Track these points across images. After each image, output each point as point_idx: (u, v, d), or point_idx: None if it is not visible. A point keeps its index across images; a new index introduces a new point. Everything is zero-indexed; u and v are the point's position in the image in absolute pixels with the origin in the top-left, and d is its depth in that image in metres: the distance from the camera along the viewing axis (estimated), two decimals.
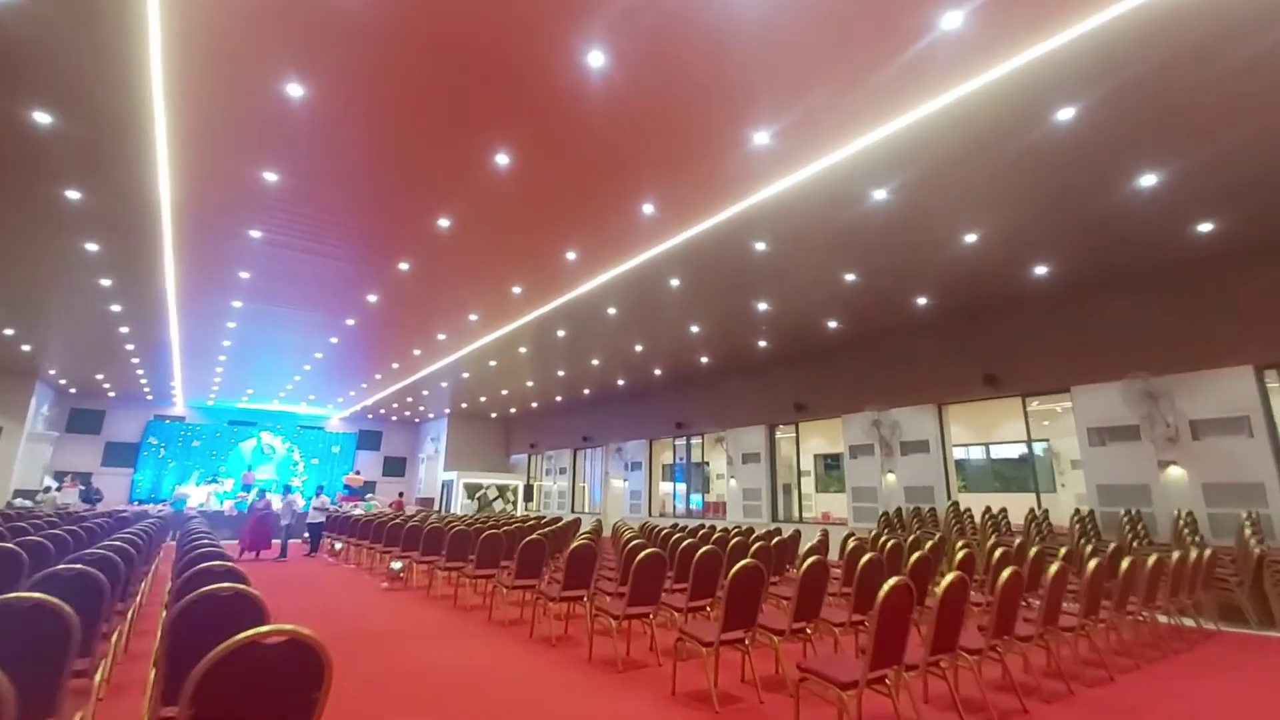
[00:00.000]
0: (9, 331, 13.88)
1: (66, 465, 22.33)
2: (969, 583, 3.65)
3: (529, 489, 25.25)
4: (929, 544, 6.42)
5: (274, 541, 13.34)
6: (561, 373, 17.34)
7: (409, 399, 22.76)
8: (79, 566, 3.19)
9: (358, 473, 27.58)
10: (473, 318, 12.45)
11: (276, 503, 14.46)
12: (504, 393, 20.73)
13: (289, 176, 7.18)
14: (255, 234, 8.70)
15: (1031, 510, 10.07)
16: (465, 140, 6.44)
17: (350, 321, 12.92)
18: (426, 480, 27.69)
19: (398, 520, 11.25)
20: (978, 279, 9.74)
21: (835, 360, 13.99)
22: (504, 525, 10.04)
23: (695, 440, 18.29)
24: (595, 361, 15.80)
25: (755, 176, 6.99)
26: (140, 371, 18.60)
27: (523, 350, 14.83)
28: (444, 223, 8.26)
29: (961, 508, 10.94)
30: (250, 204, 7.88)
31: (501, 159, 6.72)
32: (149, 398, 23.61)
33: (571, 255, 9.31)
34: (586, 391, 19.98)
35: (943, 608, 3.36)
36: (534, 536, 6.93)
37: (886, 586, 3.07)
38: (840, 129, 6.13)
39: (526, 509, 25.06)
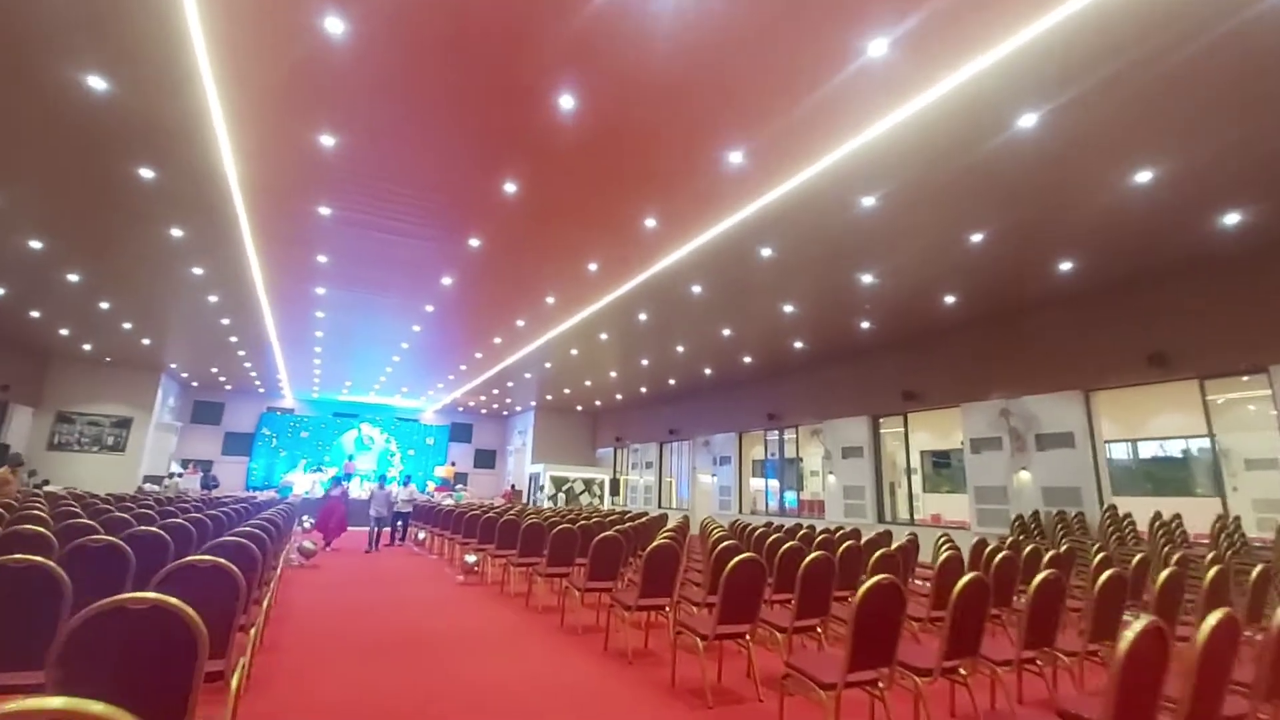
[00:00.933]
0: (127, 325, 14.78)
1: (191, 453, 24.10)
2: (1237, 628, 2.40)
3: (615, 483, 24.72)
4: (1137, 559, 4.96)
5: (347, 529, 13.32)
6: (645, 362, 16.55)
7: (495, 391, 22.80)
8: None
9: (452, 464, 28.20)
10: (550, 300, 11.86)
11: (357, 492, 14.64)
12: (587, 384, 20.23)
13: (347, 137, 6.72)
14: (324, 210, 8.43)
15: (1220, 517, 8.16)
16: (530, 84, 5.69)
17: (429, 308, 12.70)
18: (515, 473, 27.86)
19: (474, 512, 10.83)
20: (1145, 233, 7.95)
21: (952, 342, 12.28)
22: (580, 519, 9.33)
23: (789, 434, 16.97)
24: (680, 348, 14.87)
25: (868, 104, 5.79)
26: (248, 364, 19.58)
27: (604, 336, 14.14)
28: (510, 187, 7.60)
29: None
30: (314, 175, 7.56)
31: (567, 102, 5.91)
32: (260, 390, 25.07)
33: (650, 222, 8.42)
34: (672, 382, 19.11)
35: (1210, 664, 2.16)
36: (609, 533, 6.10)
37: (1132, 631, 1.93)
38: (986, 28, 4.85)
39: (613, 503, 24.55)
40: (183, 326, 15.32)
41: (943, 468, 16.61)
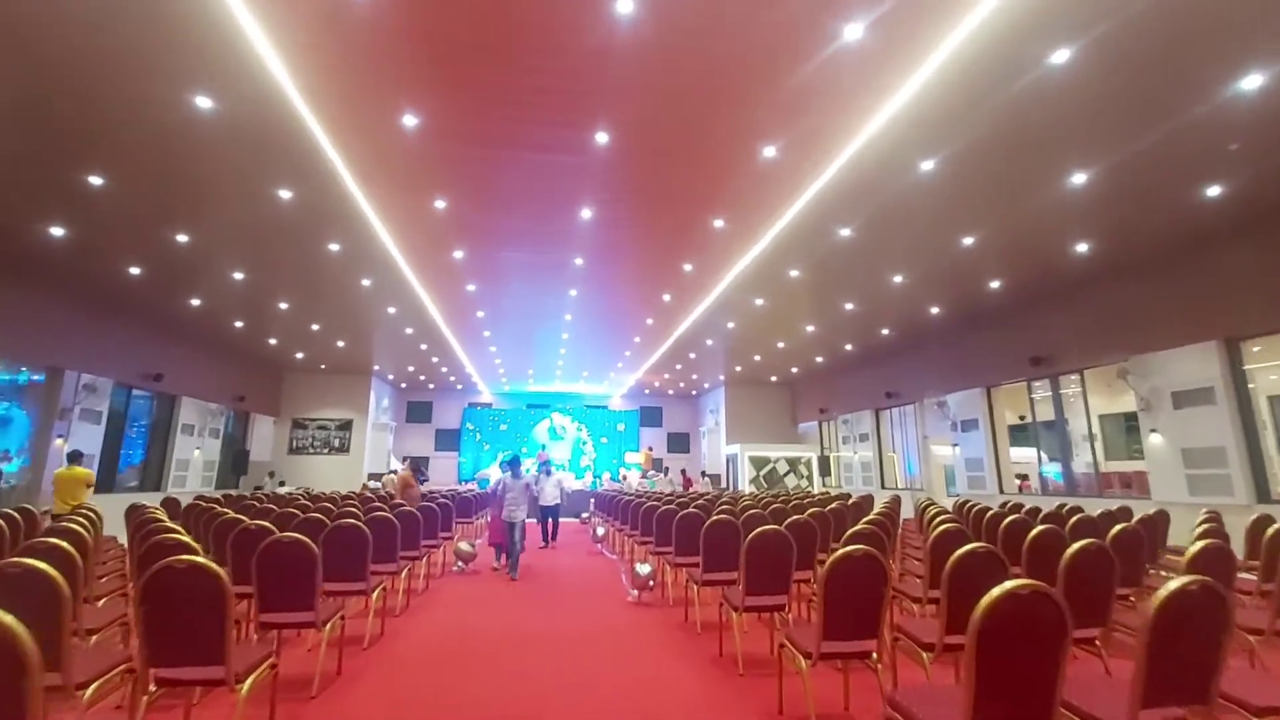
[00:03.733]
0: (315, 326, 15.26)
1: (409, 451, 25.66)
2: None
3: (824, 461, 21.29)
4: None
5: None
6: (850, 305, 13.08)
7: (678, 366, 20.71)
8: None
9: (649, 449, 26.92)
10: (718, 224, 9.16)
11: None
12: (780, 345, 17.14)
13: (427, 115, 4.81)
14: (440, 204, 7.09)
15: None
16: None
17: (578, 260, 10.76)
18: (710, 456, 25.65)
19: (649, 503, 8.62)
20: None
21: None
22: (741, 508, 6.59)
23: (1070, 384, 12.36)
24: (897, 278, 11.24)
25: None
26: (434, 359, 19.77)
27: (793, 273, 11.08)
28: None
29: None
30: (419, 155, 6.71)
31: None
32: (459, 387, 25.92)
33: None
34: (885, 332, 15.27)
35: None
36: (767, 527, 3.50)
37: None
38: None
39: (824, 485, 21.16)
40: (369, 331, 15.86)
41: None
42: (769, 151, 7.05)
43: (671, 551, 6.54)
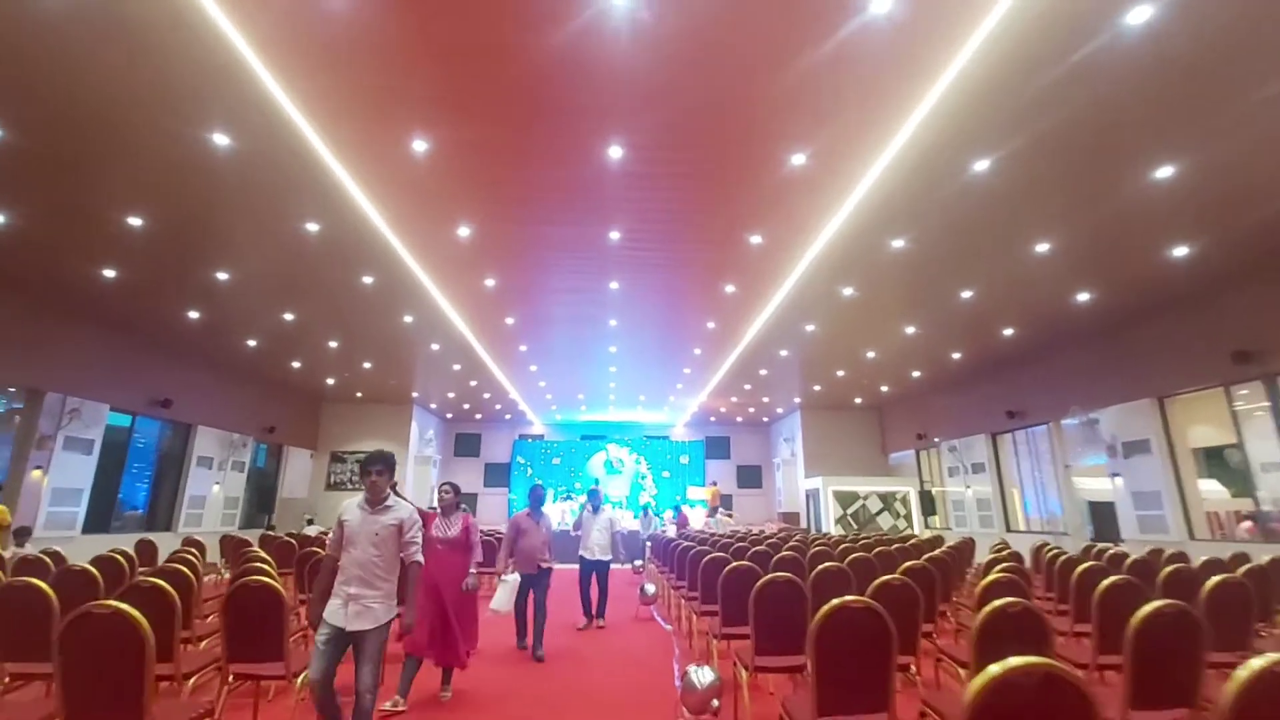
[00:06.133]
0: (367, 365, 14.50)
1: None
2: None
3: (926, 497, 17.86)
4: None
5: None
6: (967, 293, 10.18)
7: (747, 386, 18.00)
8: None
9: (714, 483, 24.11)
10: (799, 158, 6.69)
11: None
12: (870, 355, 14.20)
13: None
14: (464, 233, 5.49)
15: None
16: None
17: (614, 235, 8.51)
18: (785, 491, 22.50)
19: (696, 548, 6.05)
20: None
21: None
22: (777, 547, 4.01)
23: None
24: (1042, 247, 8.35)
25: None
26: (472, 382, 17.91)
27: (897, 242, 8.40)
28: None
29: None
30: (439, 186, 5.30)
31: None
32: (507, 418, 24.06)
33: None
34: (1009, 332, 12.15)
35: None
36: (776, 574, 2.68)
37: None
38: None
39: (927, 525, 17.71)
40: (407, 358, 14.79)
41: None
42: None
43: (750, 636, 4.04)
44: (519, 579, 6.25)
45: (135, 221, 7.55)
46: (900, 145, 6.12)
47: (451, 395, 19.62)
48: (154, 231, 7.83)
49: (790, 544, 7.98)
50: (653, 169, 6.71)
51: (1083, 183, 6.78)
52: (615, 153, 6.32)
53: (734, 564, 5.14)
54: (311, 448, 19.62)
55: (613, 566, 8.00)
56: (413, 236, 8.40)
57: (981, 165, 6.42)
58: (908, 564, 5.13)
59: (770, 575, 4.07)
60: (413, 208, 7.57)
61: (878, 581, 3.96)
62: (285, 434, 17.76)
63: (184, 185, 6.85)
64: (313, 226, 7.85)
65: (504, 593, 6.02)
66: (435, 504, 18.20)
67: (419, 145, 6.20)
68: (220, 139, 5.96)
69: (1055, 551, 7.21)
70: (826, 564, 5.24)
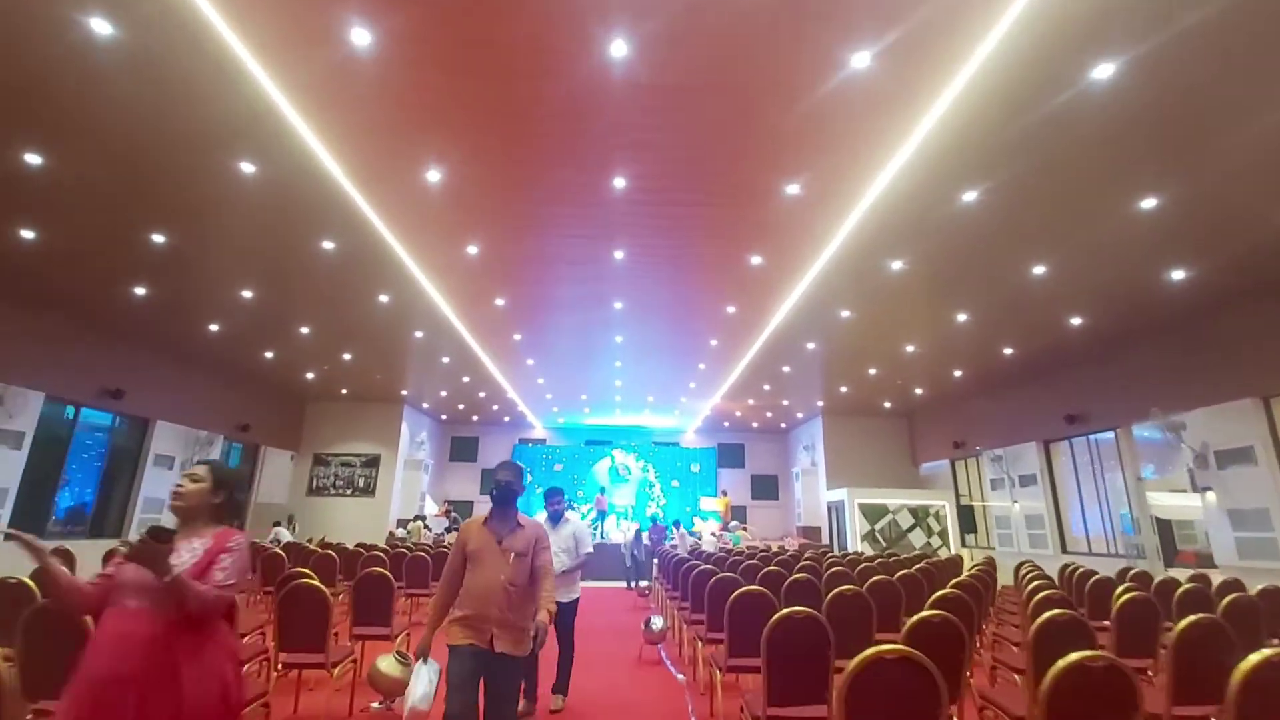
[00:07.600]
0: (347, 356, 13.30)
1: (449, 494, 22.30)
2: None
3: (966, 512, 16.09)
4: None
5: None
6: (1039, 268, 8.53)
7: (766, 387, 16.36)
8: None
9: (723, 493, 22.46)
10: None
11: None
12: (909, 349, 12.53)
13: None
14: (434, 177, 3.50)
15: None
16: None
17: (619, 183, 6.97)
18: (805, 503, 20.75)
19: (701, 567, 4.51)
20: None
21: None
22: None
23: None
24: (1148, 203, 6.72)
25: None
26: (465, 378, 16.40)
27: (969, 195, 6.80)
28: None
29: None
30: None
31: None
32: (506, 420, 22.54)
33: None
34: (1077, 321, 10.45)
35: None
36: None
37: None
38: None
39: (964, 544, 15.93)
40: (398, 353, 13.56)
41: None
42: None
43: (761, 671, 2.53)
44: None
45: (38, 161, 6.14)
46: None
47: (444, 394, 18.13)
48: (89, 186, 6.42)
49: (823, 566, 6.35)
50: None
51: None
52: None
53: (745, 588, 4.41)
54: (293, 449, 18.17)
55: (608, 584, 6.40)
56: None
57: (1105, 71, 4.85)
58: (939, 593, 4.36)
59: (787, 610, 3.32)
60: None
61: (914, 619, 3.34)
62: (262, 433, 16.31)
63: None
64: (248, 167, 6.40)
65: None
66: (432, 510, 16.10)
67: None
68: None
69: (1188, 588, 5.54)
70: (843, 586, 4.50)
